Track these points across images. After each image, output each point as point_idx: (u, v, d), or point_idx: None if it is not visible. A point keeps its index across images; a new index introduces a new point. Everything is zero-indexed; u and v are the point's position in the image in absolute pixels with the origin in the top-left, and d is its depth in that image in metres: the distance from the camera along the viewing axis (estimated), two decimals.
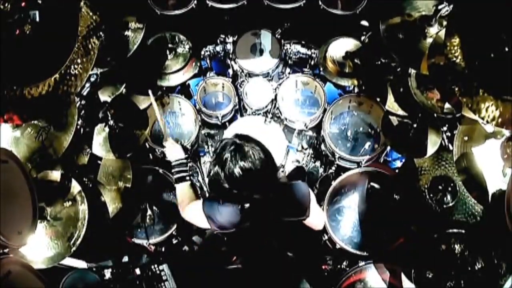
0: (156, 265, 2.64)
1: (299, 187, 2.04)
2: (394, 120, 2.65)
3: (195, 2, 3.06)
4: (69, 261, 2.40)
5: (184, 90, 3.32)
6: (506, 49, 1.61)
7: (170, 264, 2.67)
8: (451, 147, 2.40)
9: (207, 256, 2.96)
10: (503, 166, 2.03)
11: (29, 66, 1.69)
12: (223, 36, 3.22)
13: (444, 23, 2.23)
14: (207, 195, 3.09)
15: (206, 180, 3.16)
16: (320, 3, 3.05)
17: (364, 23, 3.11)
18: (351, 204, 2.75)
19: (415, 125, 2.53)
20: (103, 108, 2.54)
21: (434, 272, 2.10)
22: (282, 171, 2.99)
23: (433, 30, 2.28)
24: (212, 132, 3.34)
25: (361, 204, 2.73)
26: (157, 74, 3.07)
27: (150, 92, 2.46)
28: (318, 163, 3.23)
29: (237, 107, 3.22)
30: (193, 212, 2.10)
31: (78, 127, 2.49)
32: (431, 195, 2.35)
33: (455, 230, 2.13)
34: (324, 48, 3.12)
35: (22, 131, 2.22)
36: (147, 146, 2.92)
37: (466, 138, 2.16)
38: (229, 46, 3.22)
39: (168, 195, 2.87)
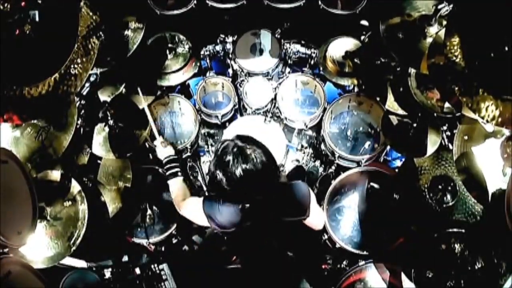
0: (156, 265, 2.64)
1: (299, 187, 2.04)
2: (394, 119, 2.65)
3: (195, 2, 3.06)
4: (69, 261, 2.40)
5: (184, 89, 3.32)
6: (506, 49, 1.61)
7: (170, 263, 2.67)
8: (451, 147, 2.40)
9: (207, 256, 2.97)
10: (503, 166, 2.03)
11: (29, 66, 1.69)
12: (223, 35, 3.21)
13: (444, 22, 2.23)
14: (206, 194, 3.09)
15: (206, 180, 3.17)
16: (320, 2, 3.04)
17: (364, 22, 3.11)
18: (351, 203, 2.75)
19: (415, 125, 2.53)
20: (103, 108, 2.54)
21: (434, 272, 2.10)
22: (282, 171, 2.99)
23: (433, 29, 2.28)
24: (212, 131, 3.34)
25: (361, 203, 2.73)
26: (157, 74, 3.07)
27: (138, 88, 2.49)
28: (318, 163, 3.23)
29: (237, 106, 3.22)
30: (192, 209, 2.10)
31: (78, 127, 2.49)
32: (431, 194, 2.35)
33: (455, 230, 2.13)
34: (324, 48, 3.12)
35: (22, 131, 2.22)
36: (147, 146, 2.92)
37: (466, 138, 2.16)
38: (229, 46, 3.21)
39: (168, 195, 2.86)
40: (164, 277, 2.62)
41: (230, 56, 3.24)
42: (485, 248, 2.06)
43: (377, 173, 2.70)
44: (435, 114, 2.42)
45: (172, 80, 3.10)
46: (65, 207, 2.22)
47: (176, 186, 2.28)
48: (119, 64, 2.59)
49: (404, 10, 2.41)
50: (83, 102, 2.63)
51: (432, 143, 2.46)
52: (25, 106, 1.72)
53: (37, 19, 1.63)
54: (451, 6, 2.11)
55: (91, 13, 1.99)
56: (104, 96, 2.70)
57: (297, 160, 3.17)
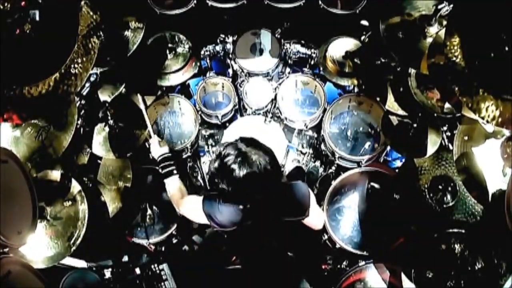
0: (156, 265, 2.64)
1: (299, 187, 2.04)
2: (394, 119, 2.65)
3: (195, 1, 3.06)
4: (69, 261, 2.40)
5: (184, 89, 3.32)
6: (506, 48, 1.61)
7: (170, 263, 2.67)
8: (451, 147, 2.40)
9: (207, 256, 2.96)
10: (503, 166, 2.03)
11: (29, 65, 1.69)
12: (223, 35, 3.21)
13: (444, 22, 2.23)
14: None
15: (207, 180, 3.17)
16: (320, 2, 3.04)
17: (364, 22, 3.11)
18: (351, 204, 2.75)
19: (415, 125, 2.53)
20: (103, 108, 2.54)
21: (434, 272, 2.10)
22: (282, 171, 2.99)
23: (433, 29, 2.28)
24: (212, 131, 3.34)
25: (361, 204, 2.73)
26: (157, 74, 3.07)
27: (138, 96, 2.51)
28: (318, 163, 3.23)
29: (237, 106, 3.22)
30: (191, 208, 2.10)
31: (78, 126, 2.49)
32: (431, 195, 2.35)
33: (455, 230, 2.13)
34: (324, 48, 3.12)
35: (22, 130, 2.22)
36: (147, 146, 2.91)
37: (466, 138, 2.16)
38: (229, 46, 3.21)
39: (168, 195, 2.87)
40: (164, 277, 2.62)
41: (230, 56, 3.24)
42: (485, 248, 2.06)
43: (377, 173, 2.70)
44: (435, 114, 2.42)
45: (172, 80, 3.10)
46: (65, 207, 2.22)
47: (173, 184, 2.27)
48: (119, 64, 2.59)
49: (404, 10, 2.41)
50: (83, 102, 2.62)
51: (432, 143, 2.46)
52: (25, 105, 1.72)
53: (37, 18, 1.63)
54: (451, 6, 2.11)
55: (91, 13, 1.99)
56: (104, 96, 2.70)
57: (298, 161, 3.17)
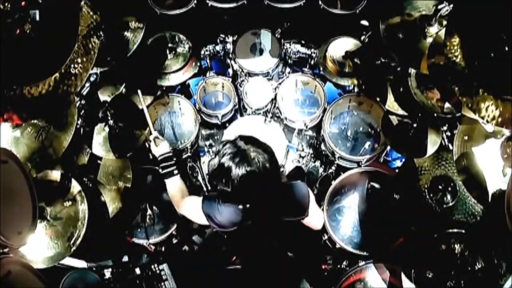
0: (156, 265, 2.64)
1: (298, 187, 2.04)
2: (394, 119, 2.65)
3: (195, 1, 3.06)
4: (69, 261, 2.40)
5: (184, 89, 3.32)
6: (506, 48, 1.61)
7: (170, 264, 2.67)
8: (451, 147, 2.40)
9: (207, 256, 2.97)
10: (503, 166, 2.03)
11: (29, 65, 1.68)
12: (223, 35, 3.21)
13: (444, 22, 2.23)
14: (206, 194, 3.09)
15: (206, 180, 3.17)
16: (320, 2, 3.04)
17: (364, 22, 3.11)
18: (351, 204, 2.75)
19: (415, 125, 2.53)
20: (103, 108, 2.54)
21: (434, 272, 2.10)
22: (282, 171, 2.99)
23: (433, 29, 2.28)
24: (212, 131, 3.34)
25: (361, 204, 2.73)
26: (157, 74, 3.07)
27: (138, 91, 2.48)
28: (318, 163, 3.23)
29: (237, 106, 3.22)
30: (191, 208, 2.10)
31: (78, 127, 2.49)
32: (431, 195, 2.35)
33: (455, 230, 2.13)
34: (324, 48, 3.12)
35: (22, 130, 2.22)
36: (147, 146, 2.91)
37: (466, 138, 2.16)
38: (229, 46, 3.21)
39: (168, 195, 2.87)
40: (164, 277, 2.62)
41: (230, 56, 3.24)
42: (485, 248, 2.06)
43: (377, 173, 2.70)
44: (435, 114, 2.42)
45: (172, 80, 3.11)
46: (65, 207, 2.22)
47: (174, 185, 2.24)
48: (119, 64, 2.59)
49: (404, 10, 2.41)
50: (83, 102, 2.62)
51: (432, 143, 2.46)
52: (25, 105, 1.72)
53: (37, 18, 1.63)
54: (451, 6, 2.11)
55: (91, 13, 1.99)
56: (104, 96, 2.70)
57: (298, 161, 3.17)
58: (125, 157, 2.63)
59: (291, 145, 3.14)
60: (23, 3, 1.60)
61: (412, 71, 2.43)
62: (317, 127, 3.11)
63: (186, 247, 3.04)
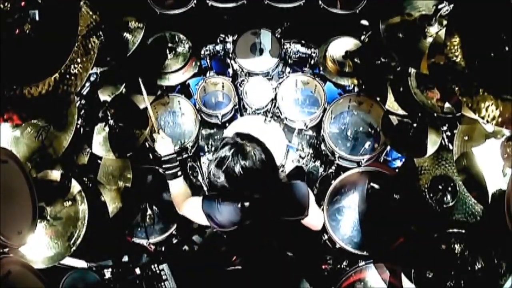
0: (156, 265, 2.64)
1: (298, 187, 2.04)
2: (394, 119, 2.65)
3: (195, 1, 3.06)
4: (69, 261, 2.40)
5: (184, 89, 3.33)
6: (506, 48, 1.61)
7: (170, 263, 2.67)
8: (451, 147, 2.40)
9: (207, 256, 2.97)
10: (503, 166, 2.02)
11: (29, 65, 1.68)
12: (223, 35, 3.21)
13: (444, 22, 2.23)
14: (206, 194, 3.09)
15: (206, 180, 3.17)
16: (320, 2, 3.04)
17: (364, 22, 3.11)
18: (351, 203, 2.75)
19: (415, 125, 2.53)
20: (103, 108, 2.54)
21: (434, 272, 2.10)
22: (282, 171, 2.99)
23: (433, 29, 2.28)
24: (212, 131, 3.34)
25: (361, 204, 2.73)
26: (157, 74, 3.07)
27: (140, 80, 2.44)
28: (318, 163, 3.23)
29: (237, 106, 3.22)
30: (191, 208, 2.10)
31: (78, 126, 2.49)
32: (431, 195, 2.35)
33: (455, 230, 2.13)
34: (324, 48, 3.12)
35: (22, 130, 2.22)
36: (147, 146, 2.91)
37: (466, 138, 2.16)
38: (229, 46, 3.21)
39: (168, 195, 2.87)
40: (164, 277, 2.62)
41: (230, 55, 3.24)
42: (485, 248, 2.06)
43: (377, 173, 2.70)
44: (435, 114, 2.42)
45: (172, 79, 3.11)
46: (65, 207, 2.22)
47: (177, 187, 2.24)
48: (119, 64, 2.59)
49: (404, 10, 2.41)
50: (83, 102, 2.62)
51: (432, 143, 2.46)
52: (25, 105, 1.71)
53: (37, 18, 1.62)
54: (451, 6, 2.11)
55: (91, 13, 1.99)
56: (104, 96, 2.70)
57: (298, 160, 3.17)
58: (125, 157, 2.63)
59: (291, 145, 3.14)
60: (22, 3, 1.60)
61: (412, 71, 2.43)
62: (317, 127, 3.11)
63: (186, 247, 3.04)
